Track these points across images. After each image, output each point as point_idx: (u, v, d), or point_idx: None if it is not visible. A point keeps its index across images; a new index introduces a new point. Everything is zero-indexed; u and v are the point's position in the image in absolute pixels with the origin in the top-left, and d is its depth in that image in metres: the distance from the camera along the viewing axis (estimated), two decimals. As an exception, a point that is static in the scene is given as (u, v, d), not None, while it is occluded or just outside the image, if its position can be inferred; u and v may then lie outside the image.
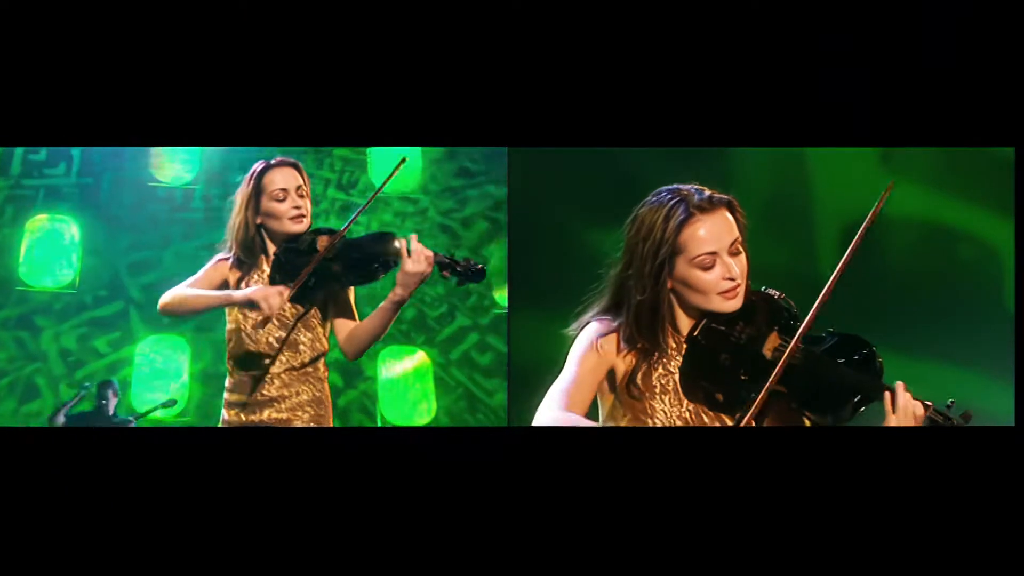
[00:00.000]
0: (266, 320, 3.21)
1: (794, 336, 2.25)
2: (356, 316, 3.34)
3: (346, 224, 3.25)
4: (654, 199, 2.43)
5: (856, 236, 2.30)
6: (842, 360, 2.26)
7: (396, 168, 3.30)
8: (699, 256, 2.33)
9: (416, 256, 3.06)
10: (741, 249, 2.38)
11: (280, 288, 3.16)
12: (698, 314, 2.40)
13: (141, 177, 7.19)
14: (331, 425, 3.41)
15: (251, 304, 3.18)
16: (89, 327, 7.21)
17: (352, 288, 3.35)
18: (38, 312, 7.24)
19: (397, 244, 3.16)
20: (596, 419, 2.52)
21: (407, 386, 7.25)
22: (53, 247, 7.29)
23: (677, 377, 2.41)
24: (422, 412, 7.22)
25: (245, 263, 3.35)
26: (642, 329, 2.40)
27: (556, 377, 2.48)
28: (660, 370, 2.43)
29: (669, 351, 2.43)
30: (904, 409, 2.22)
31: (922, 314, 4.16)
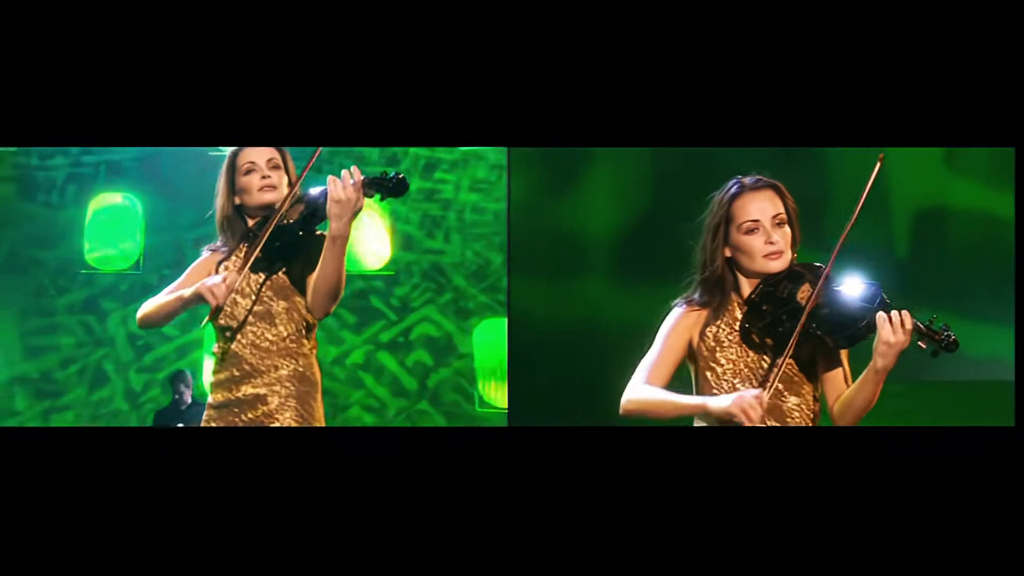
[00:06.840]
0: (229, 298, 3.11)
1: (817, 283, 2.85)
2: None
3: (294, 186, 3.16)
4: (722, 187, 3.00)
5: (858, 204, 2.86)
6: (854, 297, 2.84)
7: (314, 156, 3.15)
8: (744, 222, 2.91)
9: (340, 183, 2.95)
10: (786, 224, 2.92)
11: (220, 276, 3.08)
12: (754, 278, 2.93)
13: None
14: (318, 404, 3.22)
15: (198, 298, 3.09)
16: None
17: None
18: (104, 295, 7.17)
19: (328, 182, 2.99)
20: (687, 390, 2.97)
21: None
22: (117, 226, 7.18)
23: (739, 332, 2.92)
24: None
25: (227, 246, 3.24)
26: (710, 289, 2.95)
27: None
28: (724, 325, 2.93)
29: (731, 308, 2.94)
30: (895, 319, 2.74)
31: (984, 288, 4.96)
